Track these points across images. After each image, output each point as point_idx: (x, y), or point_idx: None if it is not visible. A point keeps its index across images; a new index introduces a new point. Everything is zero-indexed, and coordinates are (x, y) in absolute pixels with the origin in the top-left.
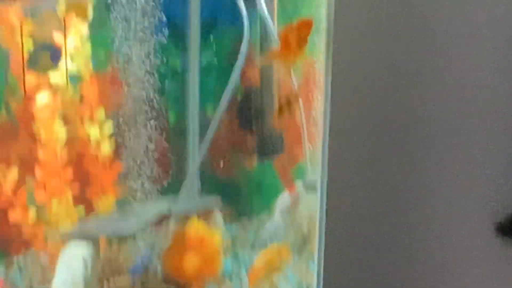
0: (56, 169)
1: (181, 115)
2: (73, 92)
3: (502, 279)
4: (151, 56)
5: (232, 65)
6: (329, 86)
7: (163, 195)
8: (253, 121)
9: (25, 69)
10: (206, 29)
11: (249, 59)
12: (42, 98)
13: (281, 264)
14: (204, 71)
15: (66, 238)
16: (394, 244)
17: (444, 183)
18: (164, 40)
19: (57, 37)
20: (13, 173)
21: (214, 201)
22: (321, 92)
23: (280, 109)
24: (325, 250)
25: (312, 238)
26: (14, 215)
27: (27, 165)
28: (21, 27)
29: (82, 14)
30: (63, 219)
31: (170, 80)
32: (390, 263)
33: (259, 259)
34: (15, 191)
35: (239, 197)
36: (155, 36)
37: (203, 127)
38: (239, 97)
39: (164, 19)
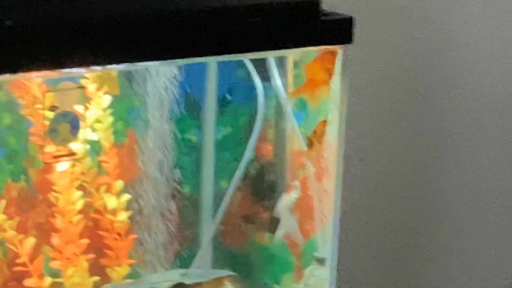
0: (72, 238)
1: (196, 187)
2: (92, 163)
3: None
4: (168, 129)
5: (247, 139)
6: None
7: (176, 266)
8: (266, 195)
9: (45, 139)
10: (222, 104)
11: (263, 133)
12: (61, 168)
13: None
14: (219, 144)
15: None
16: None
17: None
18: (181, 114)
19: (78, 109)
20: (30, 242)
21: (225, 273)
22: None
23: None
24: None
25: None
26: (30, 284)
27: (44, 234)
28: (43, 98)
29: (113, 88)
30: None
31: (185, 153)
32: None
33: None
34: (31, 260)
35: (251, 270)
36: (172, 109)
37: (217, 199)
38: (252, 171)
39: (182, 93)
